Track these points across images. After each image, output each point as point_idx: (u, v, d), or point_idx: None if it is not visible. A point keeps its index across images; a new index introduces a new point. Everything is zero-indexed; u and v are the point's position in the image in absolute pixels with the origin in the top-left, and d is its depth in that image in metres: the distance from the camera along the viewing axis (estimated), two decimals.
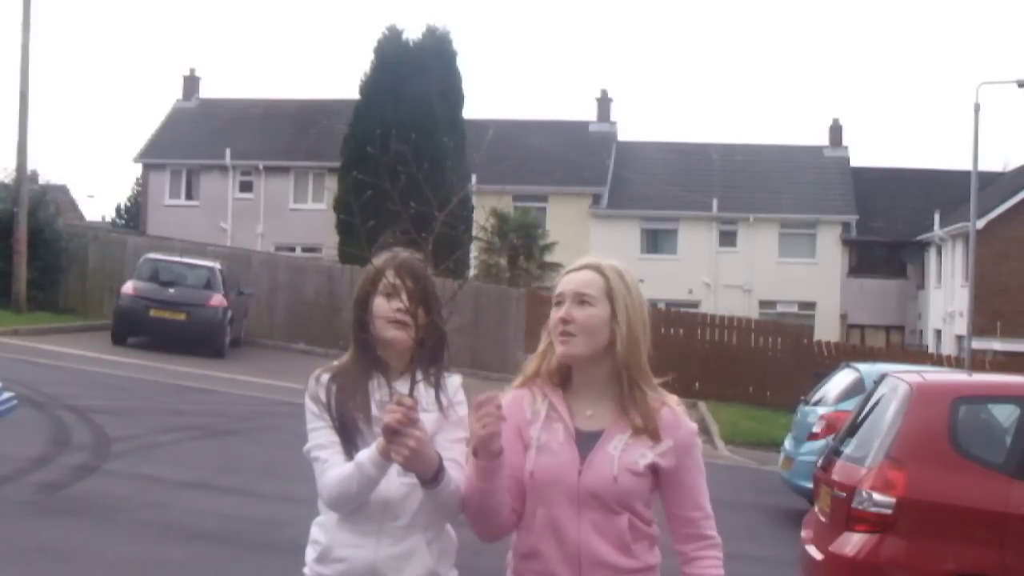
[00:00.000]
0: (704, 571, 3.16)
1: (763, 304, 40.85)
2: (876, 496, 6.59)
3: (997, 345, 32.27)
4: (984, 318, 32.35)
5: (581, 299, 3.06)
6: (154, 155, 44.17)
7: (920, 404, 6.89)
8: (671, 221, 42.24)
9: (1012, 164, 43.64)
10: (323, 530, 3.20)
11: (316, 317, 27.99)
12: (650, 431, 3.06)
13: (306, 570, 3.22)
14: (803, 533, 7.59)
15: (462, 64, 34.91)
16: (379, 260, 3.29)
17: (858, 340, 38.42)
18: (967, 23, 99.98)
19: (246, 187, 43.08)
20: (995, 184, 39.25)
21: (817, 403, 13.67)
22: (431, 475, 2.94)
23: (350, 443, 3.07)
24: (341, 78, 79.46)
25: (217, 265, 24.62)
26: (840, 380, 13.76)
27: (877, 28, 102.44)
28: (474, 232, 34.39)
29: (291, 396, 18.80)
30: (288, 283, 28.46)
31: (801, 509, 10.96)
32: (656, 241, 42.52)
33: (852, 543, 6.67)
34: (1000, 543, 6.48)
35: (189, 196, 43.70)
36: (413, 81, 31.35)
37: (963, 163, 35.65)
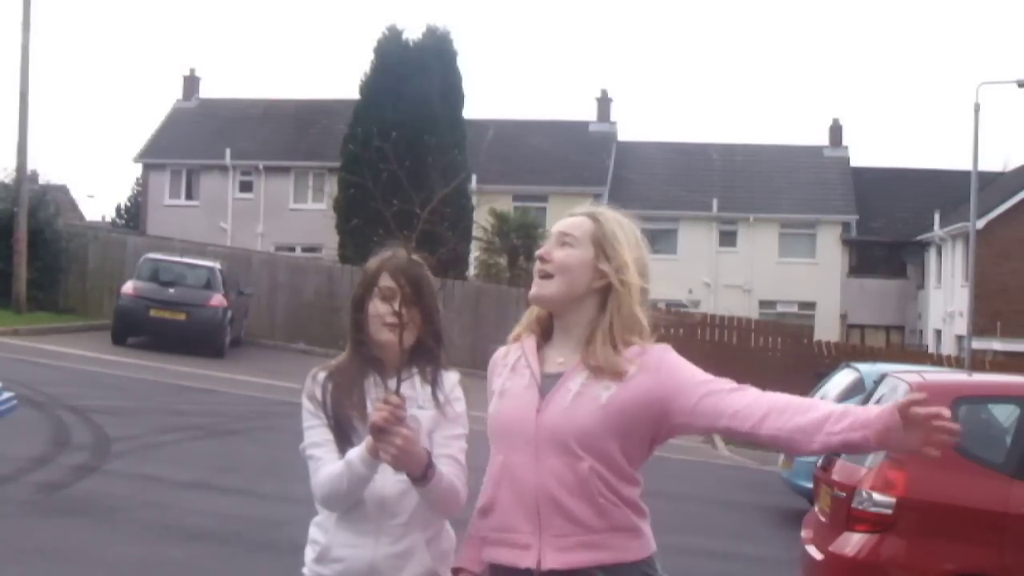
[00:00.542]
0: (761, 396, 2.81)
1: (763, 304, 40.84)
2: (876, 496, 6.59)
3: (997, 345, 32.26)
4: (984, 318, 32.34)
5: (563, 240, 3.00)
6: (154, 155, 44.17)
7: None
8: (671, 221, 42.22)
9: (1012, 164, 43.66)
10: (322, 530, 3.20)
11: (316, 317, 27.99)
12: (611, 367, 2.83)
13: (305, 570, 3.22)
14: (803, 533, 7.59)
15: (462, 64, 34.96)
16: (374, 261, 3.27)
17: (858, 340, 38.41)
18: (967, 23, 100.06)
19: (246, 187, 43.08)
20: (995, 184, 39.25)
21: None
22: (421, 472, 2.94)
23: (345, 442, 3.08)
24: (341, 78, 79.57)
25: (217, 265, 24.62)
26: (840, 380, 13.76)
27: (877, 28, 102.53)
28: (473, 232, 34.43)
29: (291, 396, 18.79)
30: (288, 283, 28.47)
31: (801, 509, 10.96)
32: (656, 241, 41.78)
33: (852, 543, 6.67)
34: (1000, 543, 6.48)
35: (189, 196, 43.70)
36: (413, 81, 31.34)
37: (963, 163, 35.70)
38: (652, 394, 2.83)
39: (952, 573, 6.47)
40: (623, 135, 45.88)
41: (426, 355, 3.20)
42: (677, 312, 30.82)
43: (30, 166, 27.36)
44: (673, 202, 42.10)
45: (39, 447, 11.29)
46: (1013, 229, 34.98)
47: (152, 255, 24.79)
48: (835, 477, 7.20)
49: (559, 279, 2.91)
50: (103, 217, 62.02)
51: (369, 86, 32.57)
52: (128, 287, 23.17)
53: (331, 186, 35.40)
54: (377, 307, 3.18)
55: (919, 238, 40.80)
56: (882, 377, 7.91)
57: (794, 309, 40.72)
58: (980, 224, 31.21)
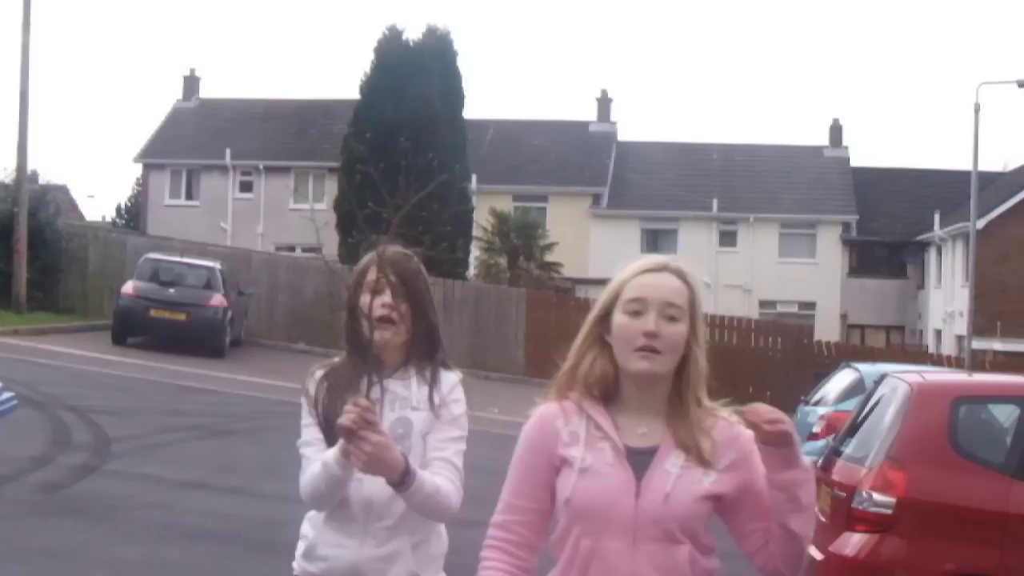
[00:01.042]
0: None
1: (763, 304, 40.83)
2: (876, 496, 6.59)
3: (997, 345, 32.25)
4: (984, 318, 32.33)
5: (670, 314, 2.68)
6: (154, 155, 44.16)
7: (920, 404, 6.89)
8: (671, 221, 42.23)
9: (1012, 164, 43.64)
10: (311, 526, 3.20)
11: (316, 317, 27.99)
12: (707, 450, 2.66)
13: (294, 564, 3.23)
14: None
15: (462, 64, 34.93)
16: (365, 257, 3.25)
17: (858, 340, 38.41)
18: (967, 23, 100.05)
19: (246, 187, 43.07)
20: (995, 184, 39.23)
21: (817, 403, 13.68)
22: (397, 478, 2.90)
23: (334, 442, 3.03)
24: (341, 78, 79.51)
25: (217, 265, 24.63)
26: (840, 380, 13.77)
27: (877, 28, 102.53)
28: (473, 232, 34.43)
29: (291, 396, 18.74)
30: (288, 283, 28.47)
31: None
32: (656, 241, 42.48)
33: (852, 543, 6.67)
34: (1000, 543, 6.48)
35: (189, 196, 43.69)
36: (413, 81, 31.34)
37: (963, 163, 35.67)
38: (744, 487, 2.70)
39: (952, 573, 6.47)
40: (623, 135, 45.89)
41: (422, 354, 3.15)
42: None
43: (30, 166, 27.40)
44: (673, 202, 42.10)
45: (39, 447, 11.30)
46: (1013, 229, 34.96)
47: (152, 255, 24.79)
48: (835, 477, 7.20)
49: (668, 356, 2.67)
50: (103, 217, 62.00)
51: (369, 86, 32.57)
52: (128, 287, 23.17)
53: (332, 185, 35.34)
54: (367, 302, 3.12)
55: (919, 238, 40.79)
56: (882, 377, 7.91)
57: (794, 309, 40.71)
58: (980, 224, 31.21)
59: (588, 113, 47.57)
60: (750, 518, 2.71)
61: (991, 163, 52.32)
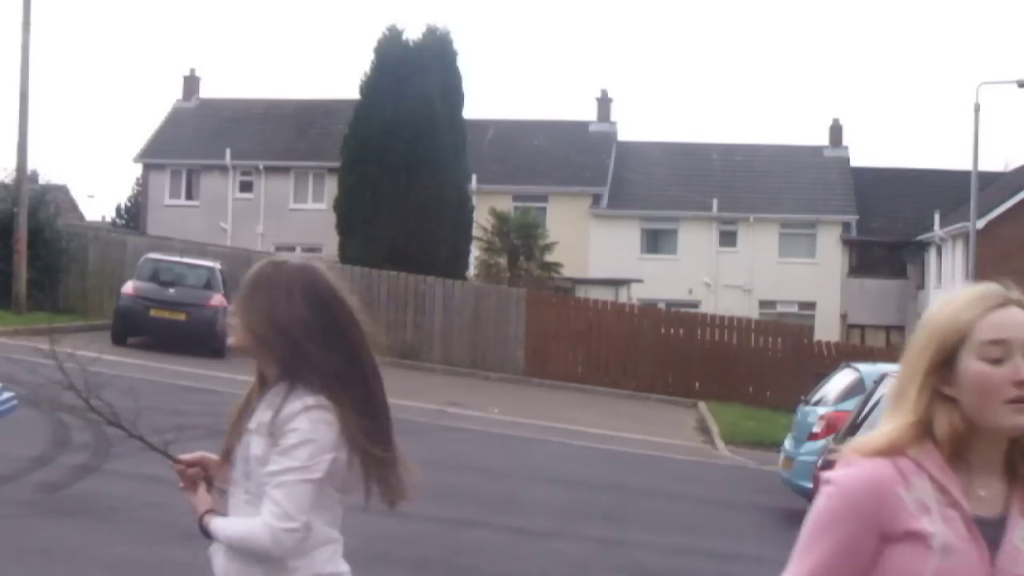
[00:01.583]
0: None
1: (763, 304, 40.83)
2: None
3: None
4: None
5: None
6: (154, 155, 44.17)
7: None
8: (671, 221, 42.24)
9: (1012, 164, 43.63)
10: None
11: None
12: None
13: None
14: None
15: (462, 64, 34.91)
16: None
17: (858, 340, 38.40)
18: (967, 23, 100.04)
19: (246, 187, 43.07)
20: (995, 184, 39.24)
21: (817, 403, 13.68)
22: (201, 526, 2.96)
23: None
24: (341, 78, 79.52)
25: (217, 265, 24.62)
26: (840, 380, 13.76)
27: (877, 28, 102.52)
28: (473, 232, 34.44)
29: None
30: None
31: (801, 509, 10.96)
32: (656, 241, 42.51)
33: None
34: None
35: (189, 196, 43.69)
36: (413, 81, 31.34)
37: (963, 163, 35.64)
38: None
39: None
40: (623, 135, 45.91)
41: (284, 374, 2.97)
42: (678, 312, 30.82)
43: (30, 166, 27.37)
44: (673, 202, 42.11)
45: (39, 447, 11.29)
46: (1013, 229, 34.96)
47: (152, 255, 24.79)
48: None
49: None
50: (103, 217, 61.97)
51: (369, 86, 32.57)
52: (128, 287, 23.17)
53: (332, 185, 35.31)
54: None
55: (919, 238, 40.79)
56: (882, 377, 7.91)
57: (794, 309, 40.71)
58: (980, 224, 31.21)
59: (588, 113, 47.62)
60: None
61: (991, 163, 52.32)
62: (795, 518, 9.94)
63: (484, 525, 10.46)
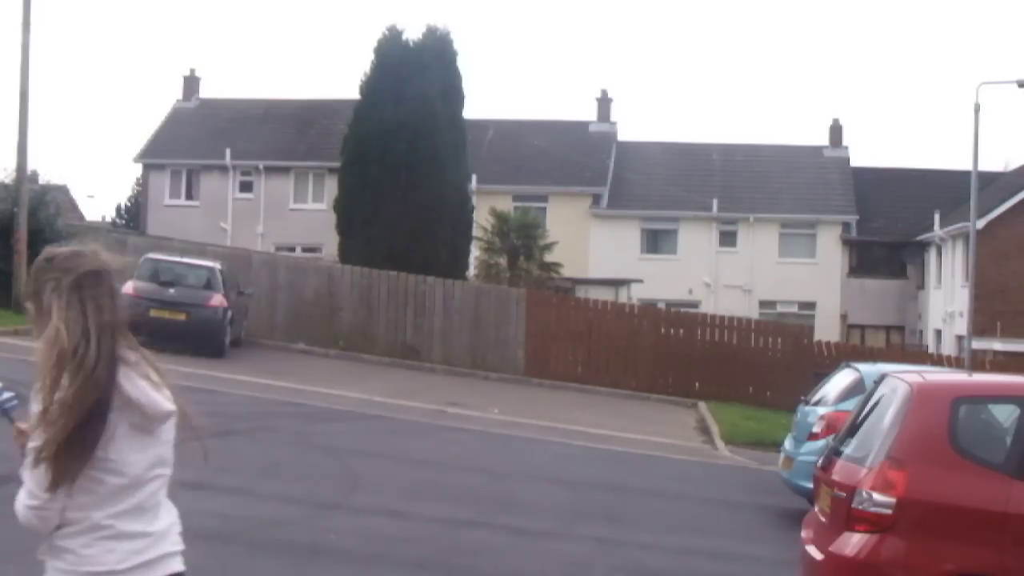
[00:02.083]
0: None
1: (763, 304, 40.84)
2: (876, 496, 6.59)
3: (997, 345, 32.25)
4: (984, 318, 32.33)
5: None
6: (154, 155, 44.18)
7: (920, 404, 6.89)
8: (671, 221, 42.25)
9: (1012, 164, 43.63)
10: None
11: (316, 317, 28.00)
12: None
13: None
14: (803, 533, 7.59)
15: (462, 64, 34.90)
16: None
17: (858, 340, 38.41)
18: (967, 23, 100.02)
19: (246, 187, 43.08)
20: (995, 184, 39.24)
21: (817, 403, 13.67)
22: None
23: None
24: (341, 78, 79.48)
25: (217, 265, 24.63)
26: (840, 380, 13.75)
27: (877, 28, 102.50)
28: (473, 232, 34.43)
29: (291, 396, 18.82)
30: (288, 283, 28.47)
31: (801, 509, 10.97)
32: (656, 241, 42.52)
33: (852, 543, 6.67)
34: (1000, 543, 6.48)
35: (189, 196, 43.71)
36: (413, 81, 31.34)
37: (963, 163, 35.62)
38: None
39: (952, 573, 6.47)
40: (623, 135, 45.91)
41: None
42: (678, 312, 30.81)
43: (30, 166, 27.34)
44: (673, 202, 42.12)
45: None
46: (1013, 229, 34.96)
47: (152, 255, 24.79)
48: (835, 477, 7.20)
49: None
50: (103, 217, 62.00)
51: (369, 86, 32.57)
52: (128, 287, 23.12)
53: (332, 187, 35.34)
54: None
55: (919, 238, 40.79)
56: (882, 377, 7.90)
57: (794, 309, 40.72)
58: (980, 224, 31.19)
59: (588, 113, 47.62)
60: None
61: (991, 163, 52.34)
62: (795, 518, 9.95)
63: (484, 525, 10.46)
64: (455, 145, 32.32)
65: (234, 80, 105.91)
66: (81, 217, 55.60)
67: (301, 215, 41.81)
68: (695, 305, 38.65)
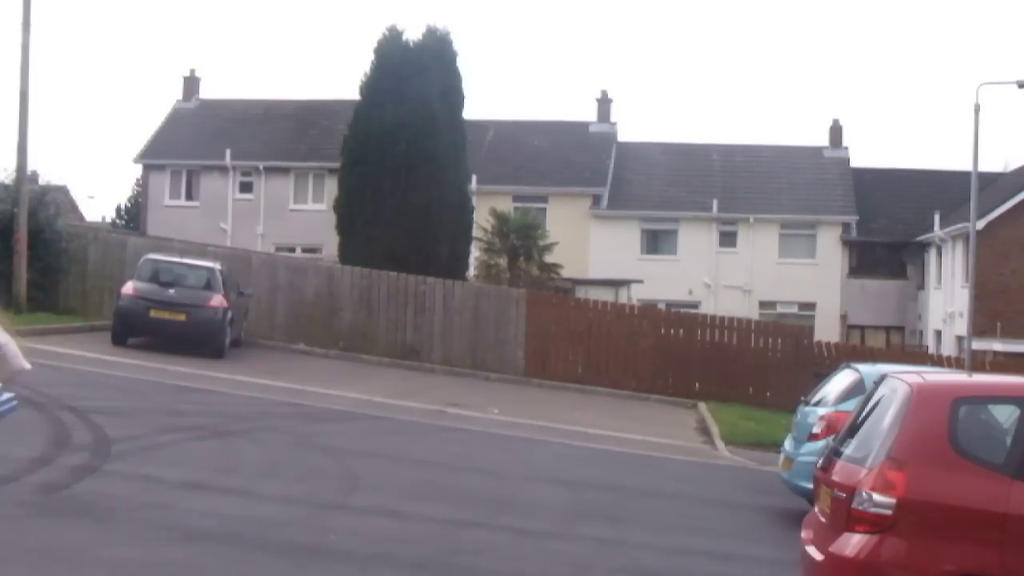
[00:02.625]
0: None
1: (763, 305, 40.84)
2: (876, 497, 6.60)
3: (997, 346, 32.24)
4: (984, 319, 32.33)
5: None
6: (154, 156, 44.17)
7: (920, 405, 6.90)
8: (671, 221, 42.25)
9: (1012, 164, 43.61)
10: None
11: (316, 317, 28.00)
12: None
13: None
14: (803, 533, 7.59)
15: (462, 65, 34.85)
16: None
17: (858, 341, 38.40)
18: (967, 23, 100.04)
19: (246, 187, 43.08)
20: (995, 185, 39.23)
21: (817, 404, 13.67)
22: None
23: None
24: (341, 78, 79.31)
25: (217, 266, 24.63)
26: (840, 381, 13.75)
27: (877, 28, 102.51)
28: (473, 232, 34.42)
29: (291, 396, 18.82)
30: (288, 283, 28.47)
31: (801, 509, 10.97)
32: (656, 241, 42.52)
33: (852, 544, 6.67)
34: (1000, 543, 6.49)
35: (189, 197, 43.71)
36: (413, 82, 31.33)
37: (963, 163, 35.64)
38: None
39: (952, 573, 6.47)
40: (623, 135, 45.89)
41: None
42: (678, 313, 30.80)
43: (30, 166, 27.30)
44: (673, 202, 42.12)
45: (39, 448, 11.30)
46: (1013, 229, 34.96)
47: (152, 256, 24.79)
48: (835, 478, 7.20)
49: None
50: (103, 218, 61.95)
51: (369, 87, 32.56)
52: (128, 288, 23.17)
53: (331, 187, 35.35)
54: None
55: (919, 239, 40.79)
56: (882, 378, 7.90)
57: (794, 310, 40.72)
58: (980, 225, 31.18)
59: (588, 114, 47.61)
60: None
61: (991, 163, 52.25)
62: (795, 518, 9.95)
63: (484, 525, 10.46)
64: (455, 146, 32.31)
65: (234, 80, 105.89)
66: (81, 217, 55.60)
67: (301, 215, 41.82)
68: (695, 306, 38.65)
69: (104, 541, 8.47)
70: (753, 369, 27.08)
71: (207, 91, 47.89)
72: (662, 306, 34.16)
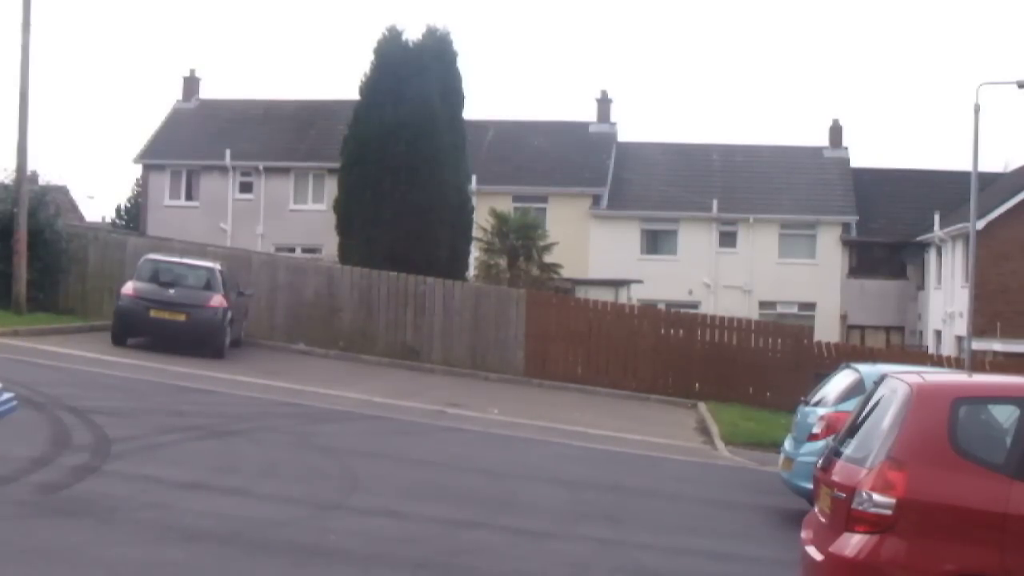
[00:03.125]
0: None
1: (763, 305, 40.84)
2: (876, 497, 6.60)
3: (997, 346, 32.25)
4: (984, 319, 32.33)
5: None
6: (154, 156, 44.17)
7: (920, 405, 6.90)
8: (671, 222, 42.25)
9: (1012, 164, 43.61)
10: None
11: (316, 317, 27.99)
12: None
13: None
14: (803, 534, 7.60)
15: (462, 65, 34.85)
16: None
17: (858, 341, 38.40)
18: (967, 23, 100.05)
19: (246, 188, 43.08)
20: (995, 185, 39.24)
21: (817, 404, 13.67)
22: None
23: None
24: (341, 78, 79.29)
25: (217, 266, 24.63)
26: (840, 381, 13.75)
27: (877, 28, 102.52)
28: (473, 232, 34.42)
29: (291, 396, 18.82)
30: (288, 284, 28.47)
31: (801, 509, 10.97)
32: (656, 242, 42.52)
33: (852, 544, 6.67)
34: (1000, 543, 6.49)
35: (189, 197, 43.70)
36: (413, 82, 31.33)
37: (963, 163, 35.60)
38: None
39: (952, 573, 6.47)
40: (623, 135, 45.88)
41: None
42: (678, 313, 30.79)
43: (30, 166, 27.29)
44: (673, 202, 42.12)
45: (39, 448, 11.30)
46: (1013, 230, 34.96)
47: (152, 256, 24.79)
48: (835, 478, 7.20)
49: None
50: (103, 218, 61.94)
51: (369, 87, 32.56)
52: (128, 288, 23.17)
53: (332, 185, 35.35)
54: None
55: (919, 239, 40.79)
56: (882, 378, 7.90)
57: (794, 310, 40.72)
58: (980, 225, 31.18)
59: (588, 114, 47.58)
60: None
61: (991, 164, 52.20)
62: (795, 518, 9.96)
63: (484, 525, 10.46)
64: (455, 146, 32.31)
65: (234, 80, 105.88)
66: (81, 218, 55.62)
67: (301, 216, 41.81)
68: (695, 306, 38.64)
69: (104, 541, 8.47)
70: (753, 369, 27.08)
71: (207, 91, 47.92)
72: (662, 306, 34.15)
